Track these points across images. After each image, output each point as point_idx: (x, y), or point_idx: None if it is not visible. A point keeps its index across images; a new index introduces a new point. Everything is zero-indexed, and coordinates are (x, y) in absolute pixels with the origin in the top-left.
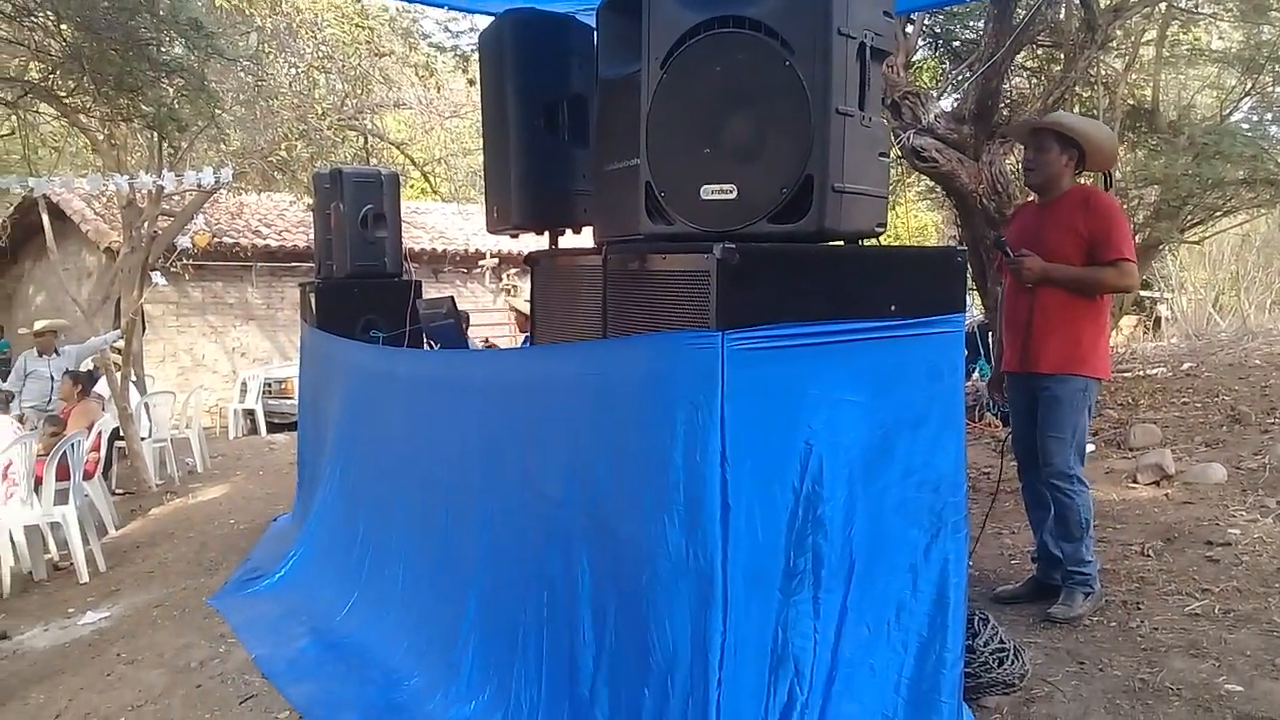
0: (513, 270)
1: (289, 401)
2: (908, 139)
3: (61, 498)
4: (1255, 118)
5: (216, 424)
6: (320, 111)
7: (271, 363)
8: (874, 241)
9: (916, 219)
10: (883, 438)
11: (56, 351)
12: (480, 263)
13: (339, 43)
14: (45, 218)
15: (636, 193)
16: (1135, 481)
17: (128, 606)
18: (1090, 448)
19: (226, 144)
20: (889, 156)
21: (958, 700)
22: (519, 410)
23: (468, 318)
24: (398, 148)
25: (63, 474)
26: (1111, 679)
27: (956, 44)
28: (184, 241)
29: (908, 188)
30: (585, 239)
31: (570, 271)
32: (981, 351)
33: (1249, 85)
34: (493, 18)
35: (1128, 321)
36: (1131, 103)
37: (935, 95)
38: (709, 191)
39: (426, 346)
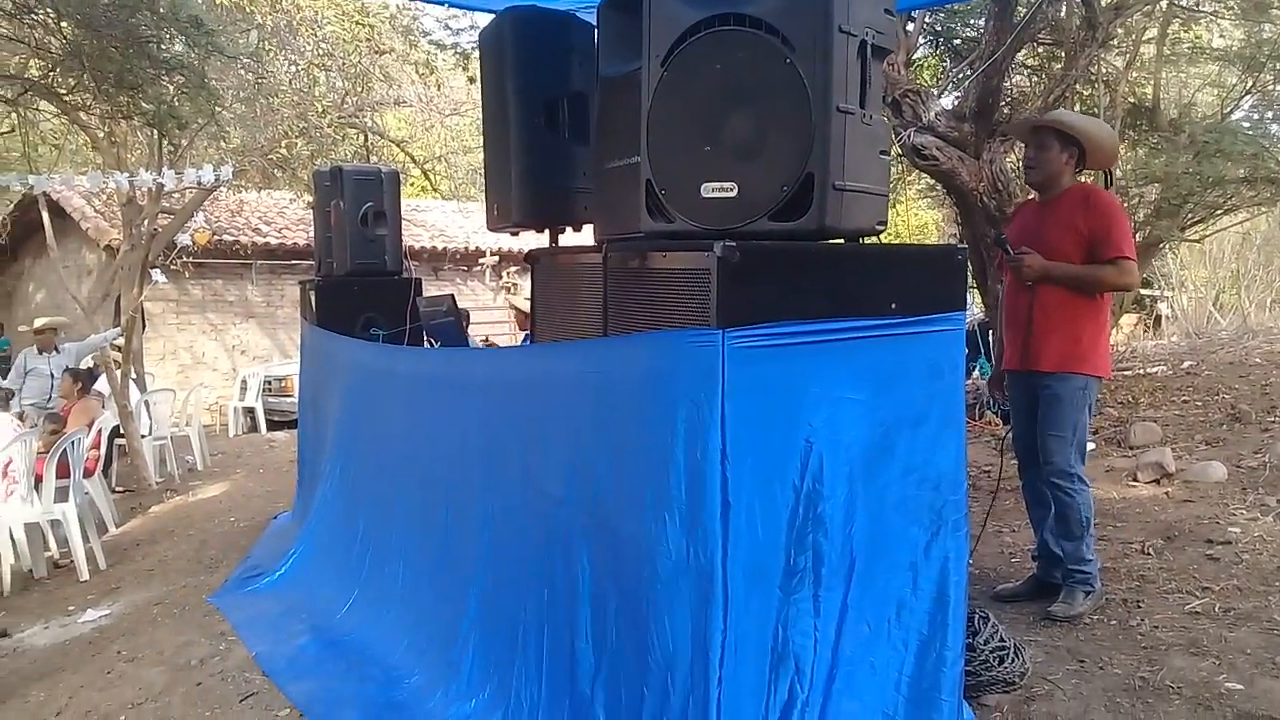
0: (513, 268)
1: (289, 399)
2: (908, 137)
3: (62, 495)
4: (1256, 116)
5: (216, 422)
6: (320, 109)
7: (271, 360)
8: (875, 239)
9: (917, 217)
10: (883, 436)
11: (56, 349)
12: (480, 261)
13: (339, 40)
14: (45, 215)
15: (637, 190)
16: (1135, 480)
17: (128, 604)
18: (1090, 446)
19: (226, 141)
20: (889, 154)
21: (958, 698)
22: (519, 408)
23: (468, 316)
24: (398, 145)
25: (63, 471)
26: (1112, 677)
27: (957, 42)
28: (184, 239)
29: (908, 186)
30: (586, 237)
31: (571, 269)
32: (982, 349)
33: (1250, 83)
34: (493, 15)
35: (1128, 320)
36: (1132, 101)
37: (936, 93)
38: (709, 189)
39: (427, 344)
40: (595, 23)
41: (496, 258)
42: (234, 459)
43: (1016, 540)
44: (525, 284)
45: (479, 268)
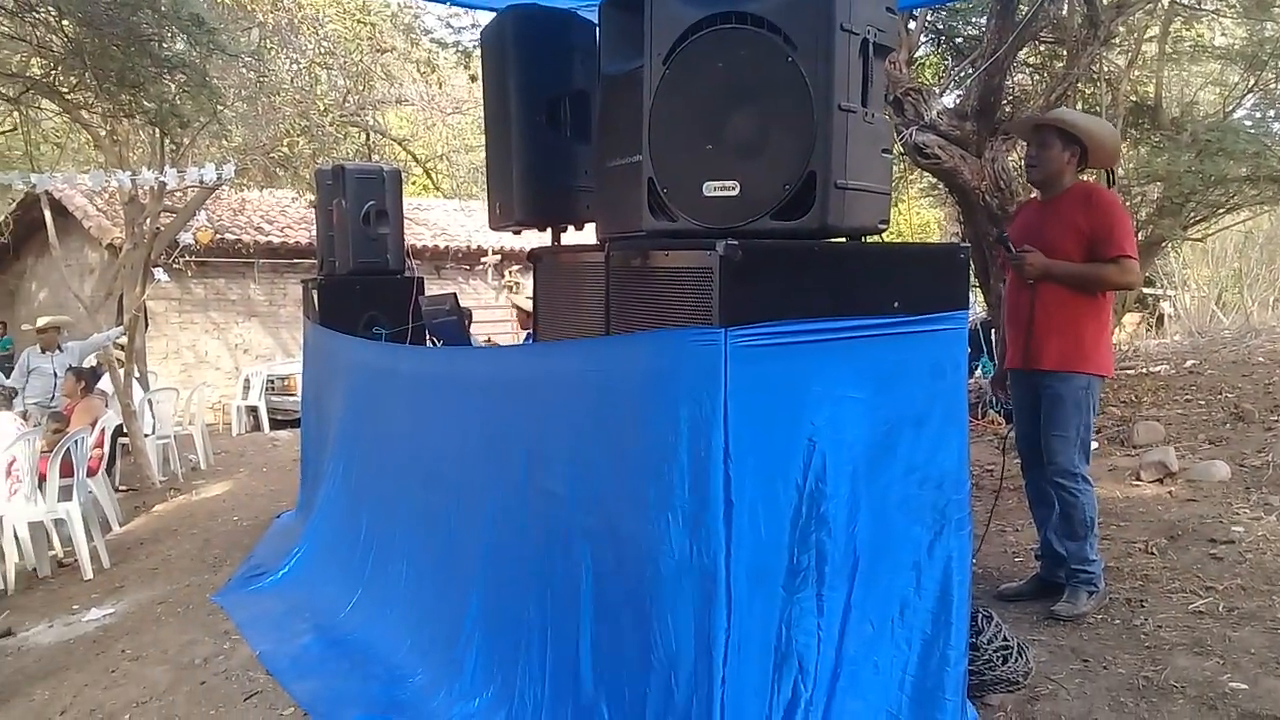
0: (515, 267)
1: (292, 398)
2: (910, 135)
3: (65, 494)
4: (1258, 114)
5: (219, 420)
6: (322, 108)
7: (274, 359)
8: (877, 238)
9: (919, 215)
10: (886, 435)
11: (59, 348)
12: (482, 259)
13: (341, 39)
14: (48, 214)
15: (639, 189)
16: (1139, 479)
17: (132, 603)
18: (1094, 445)
19: (228, 140)
20: (891, 153)
21: (962, 698)
22: (522, 407)
23: (470, 315)
24: (400, 144)
25: (66, 470)
26: (1115, 677)
27: (959, 40)
28: (186, 238)
29: (910, 184)
30: (588, 235)
31: (573, 268)
32: (984, 348)
33: (1252, 82)
34: (495, 13)
35: (1131, 319)
36: (1134, 99)
37: (938, 92)
38: (711, 188)
39: (429, 343)
40: (597, 21)
41: (498, 256)
42: (237, 458)
43: (1020, 539)
44: (527, 283)
45: (481, 266)
